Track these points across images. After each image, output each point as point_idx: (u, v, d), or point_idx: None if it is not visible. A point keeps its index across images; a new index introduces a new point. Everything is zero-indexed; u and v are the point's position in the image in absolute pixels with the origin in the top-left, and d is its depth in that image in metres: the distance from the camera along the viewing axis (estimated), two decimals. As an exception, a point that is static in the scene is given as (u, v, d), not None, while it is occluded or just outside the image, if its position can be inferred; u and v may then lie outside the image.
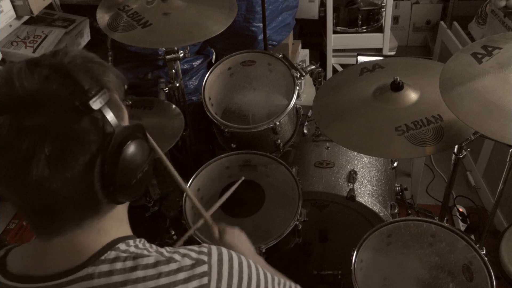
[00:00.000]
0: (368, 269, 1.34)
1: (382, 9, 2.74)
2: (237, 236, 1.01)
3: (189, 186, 1.49)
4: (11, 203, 0.64)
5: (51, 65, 0.60)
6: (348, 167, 1.68)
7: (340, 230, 1.71)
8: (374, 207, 1.58)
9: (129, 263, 0.63)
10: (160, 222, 1.92)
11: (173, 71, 1.81)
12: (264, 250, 1.36)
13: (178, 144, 1.68)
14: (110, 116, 0.61)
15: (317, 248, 1.77)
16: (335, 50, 2.87)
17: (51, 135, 0.57)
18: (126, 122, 0.69)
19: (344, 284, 1.76)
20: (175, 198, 1.93)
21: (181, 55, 1.76)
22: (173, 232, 1.90)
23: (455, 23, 2.77)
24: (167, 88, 1.85)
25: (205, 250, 0.68)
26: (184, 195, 1.47)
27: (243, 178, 1.26)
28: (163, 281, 0.63)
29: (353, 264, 1.27)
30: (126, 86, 0.71)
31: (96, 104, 0.59)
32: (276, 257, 1.46)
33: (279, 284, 0.76)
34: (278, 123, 1.59)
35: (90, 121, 0.60)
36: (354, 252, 1.29)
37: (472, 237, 1.39)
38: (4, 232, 1.49)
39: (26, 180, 0.57)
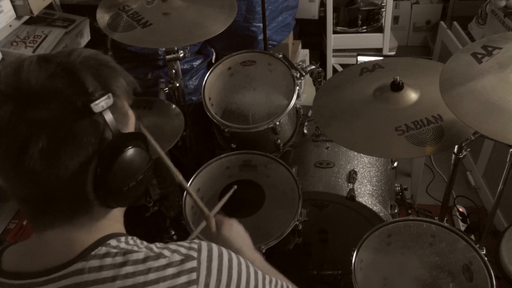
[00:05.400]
0: (368, 269, 1.34)
1: (382, 9, 2.74)
2: (235, 229, 1.00)
3: (189, 187, 1.49)
4: (7, 192, 0.65)
5: (60, 63, 0.62)
6: (348, 167, 1.68)
7: (340, 230, 1.71)
8: (374, 207, 1.58)
9: (119, 259, 0.64)
10: (160, 222, 1.92)
11: (173, 71, 1.81)
12: (264, 250, 1.36)
13: (178, 144, 1.67)
14: (111, 121, 0.62)
15: (317, 248, 1.77)
16: (335, 50, 2.87)
17: (48, 130, 0.58)
18: (130, 129, 0.69)
19: (344, 284, 1.76)
20: (175, 198, 1.93)
21: (181, 55, 1.76)
22: (173, 232, 1.90)
23: (455, 23, 2.77)
24: (167, 88, 1.85)
25: (195, 246, 0.69)
26: (185, 194, 1.47)
27: (235, 187, 1.24)
28: (152, 276, 0.63)
29: (353, 264, 1.27)
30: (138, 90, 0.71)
31: (97, 107, 0.60)
32: (276, 257, 1.46)
33: (270, 282, 0.75)
34: (278, 123, 1.59)
35: (90, 124, 0.61)
36: (354, 252, 1.29)
37: (472, 237, 1.39)
38: (4, 232, 1.49)
39: (18, 170, 0.59)
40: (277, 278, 0.80)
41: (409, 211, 1.93)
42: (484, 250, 1.33)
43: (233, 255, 0.71)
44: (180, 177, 1.01)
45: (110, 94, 0.62)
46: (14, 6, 1.61)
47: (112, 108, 0.62)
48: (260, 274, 0.74)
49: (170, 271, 0.64)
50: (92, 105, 0.59)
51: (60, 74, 0.60)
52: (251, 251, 0.96)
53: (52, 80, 0.60)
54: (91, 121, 0.61)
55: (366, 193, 1.62)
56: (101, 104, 0.60)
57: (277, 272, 0.90)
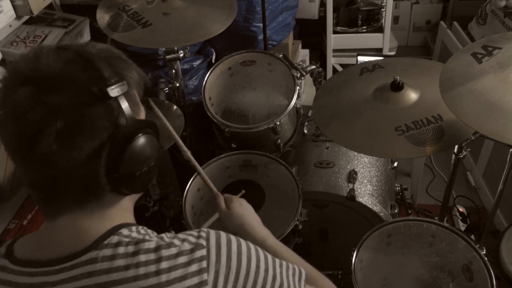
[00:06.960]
0: (368, 269, 1.34)
1: (382, 9, 2.74)
2: (245, 206, 1.04)
3: (189, 186, 1.49)
4: (20, 177, 0.66)
5: (77, 51, 0.65)
6: (348, 167, 1.68)
7: (340, 230, 1.71)
8: (374, 207, 1.58)
9: (131, 248, 0.65)
10: (160, 222, 1.92)
11: (173, 71, 1.81)
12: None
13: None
14: (125, 107, 0.64)
15: (317, 248, 1.77)
16: (335, 50, 2.87)
17: (64, 113, 0.60)
18: (141, 118, 0.72)
19: (344, 284, 1.76)
20: (175, 198, 1.93)
21: (181, 55, 1.76)
22: (173, 232, 1.90)
23: (455, 23, 2.77)
24: (167, 88, 1.85)
25: (204, 234, 0.70)
26: (185, 193, 1.47)
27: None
28: (164, 265, 0.64)
29: (353, 264, 1.27)
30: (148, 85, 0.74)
31: (113, 92, 0.62)
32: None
33: (281, 265, 0.75)
34: (278, 123, 1.59)
35: (105, 108, 0.63)
36: (354, 252, 1.29)
37: (472, 237, 1.39)
38: (4, 232, 1.49)
39: (35, 151, 0.60)
40: (288, 254, 0.82)
41: (409, 211, 1.93)
42: (484, 250, 1.33)
43: (242, 240, 0.72)
44: (188, 153, 1.03)
45: (124, 81, 0.64)
46: (14, 6, 1.61)
47: (126, 95, 0.65)
48: (270, 257, 0.74)
49: (181, 259, 0.65)
50: (108, 89, 0.62)
51: (77, 61, 0.63)
52: (262, 228, 1.00)
53: (70, 65, 0.62)
54: (106, 106, 0.63)
55: (366, 193, 1.62)
56: (116, 89, 0.63)
57: (288, 249, 0.92)
